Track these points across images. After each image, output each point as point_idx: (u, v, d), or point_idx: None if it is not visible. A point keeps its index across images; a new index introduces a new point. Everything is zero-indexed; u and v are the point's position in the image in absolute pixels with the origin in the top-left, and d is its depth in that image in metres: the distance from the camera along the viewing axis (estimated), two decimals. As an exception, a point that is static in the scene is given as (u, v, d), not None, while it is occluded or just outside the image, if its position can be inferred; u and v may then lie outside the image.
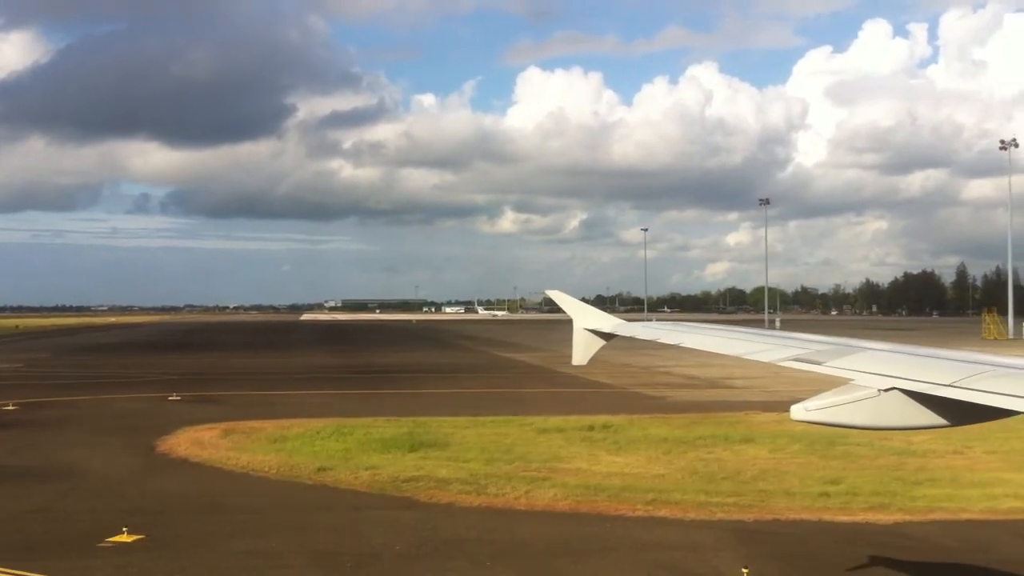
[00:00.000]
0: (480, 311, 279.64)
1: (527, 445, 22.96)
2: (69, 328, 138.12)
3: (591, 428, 25.61)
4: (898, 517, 15.68)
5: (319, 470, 19.41)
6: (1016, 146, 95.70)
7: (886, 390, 5.78)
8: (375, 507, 16.44)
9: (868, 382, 5.97)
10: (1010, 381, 5.41)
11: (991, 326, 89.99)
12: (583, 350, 11.06)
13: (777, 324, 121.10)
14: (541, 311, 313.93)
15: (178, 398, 33.95)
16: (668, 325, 11.40)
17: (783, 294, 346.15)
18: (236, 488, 18.22)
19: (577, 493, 17.19)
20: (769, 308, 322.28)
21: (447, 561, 12.98)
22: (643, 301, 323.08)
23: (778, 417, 28.50)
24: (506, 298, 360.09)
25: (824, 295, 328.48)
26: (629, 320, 12.15)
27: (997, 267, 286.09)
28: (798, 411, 5.86)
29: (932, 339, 79.03)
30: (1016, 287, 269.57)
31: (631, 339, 10.79)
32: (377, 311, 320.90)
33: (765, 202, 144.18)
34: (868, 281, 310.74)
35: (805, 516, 15.61)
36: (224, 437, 24.04)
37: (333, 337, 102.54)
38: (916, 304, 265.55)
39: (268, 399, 34.80)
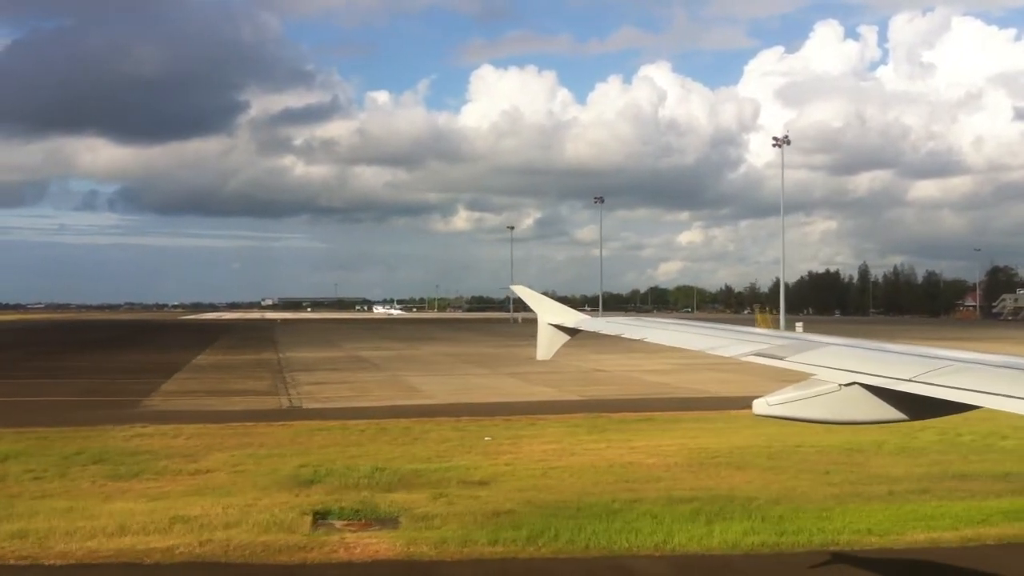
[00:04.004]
0: (376, 310, 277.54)
1: None
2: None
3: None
4: None
5: None
6: (788, 143, 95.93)
7: (847, 385, 5.76)
8: None
9: (829, 377, 5.94)
10: (968, 376, 5.48)
11: (761, 325, 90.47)
12: (547, 345, 11.09)
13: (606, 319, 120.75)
14: (463, 310, 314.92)
15: None
16: (632, 320, 11.32)
17: (703, 292, 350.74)
18: None
19: None
20: (686, 307, 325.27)
21: None
22: (568, 299, 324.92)
23: (175, 430, 26.72)
24: (435, 297, 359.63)
25: (739, 294, 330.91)
26: None
27: (895, 267, 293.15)
28: (760, 405, 5.74)
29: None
30: (914, 286, 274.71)
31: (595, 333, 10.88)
32: (309, 309, 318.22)
33: (599, 200, 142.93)
34: (778, 280, 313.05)
35: None
36: None
37: (138, 335, 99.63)
38: (821, 303, 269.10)
39: None
